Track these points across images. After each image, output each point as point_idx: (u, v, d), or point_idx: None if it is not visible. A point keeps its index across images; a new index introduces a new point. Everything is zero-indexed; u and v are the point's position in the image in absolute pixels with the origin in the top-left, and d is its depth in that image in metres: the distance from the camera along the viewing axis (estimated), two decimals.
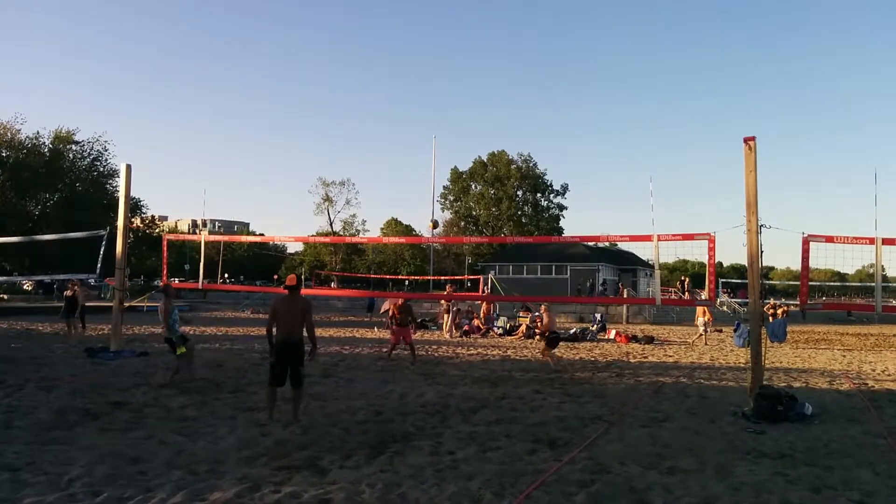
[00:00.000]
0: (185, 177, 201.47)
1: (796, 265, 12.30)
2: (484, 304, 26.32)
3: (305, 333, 8.17)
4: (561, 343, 20.84)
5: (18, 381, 10.50)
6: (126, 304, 17.80)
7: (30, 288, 48.18)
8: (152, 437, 7.10)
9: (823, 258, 10.40)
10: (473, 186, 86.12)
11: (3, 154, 50.26)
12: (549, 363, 13.91)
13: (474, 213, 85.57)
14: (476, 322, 24.76)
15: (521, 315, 26.76)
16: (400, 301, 15.79)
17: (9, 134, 50.43)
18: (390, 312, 16.22)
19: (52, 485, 5.36)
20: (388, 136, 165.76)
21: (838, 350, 21.30)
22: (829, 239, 9.95)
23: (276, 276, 75.15)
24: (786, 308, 27.58)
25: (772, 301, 30.50)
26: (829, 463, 6.58)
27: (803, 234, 9.91)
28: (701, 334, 22.73)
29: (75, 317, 19.45)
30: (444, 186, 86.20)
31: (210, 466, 5.99)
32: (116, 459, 6.10)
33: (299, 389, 8.16)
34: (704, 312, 22.70)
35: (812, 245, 9.87)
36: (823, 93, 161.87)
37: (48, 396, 9.26)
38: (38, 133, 52.35)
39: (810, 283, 10.65)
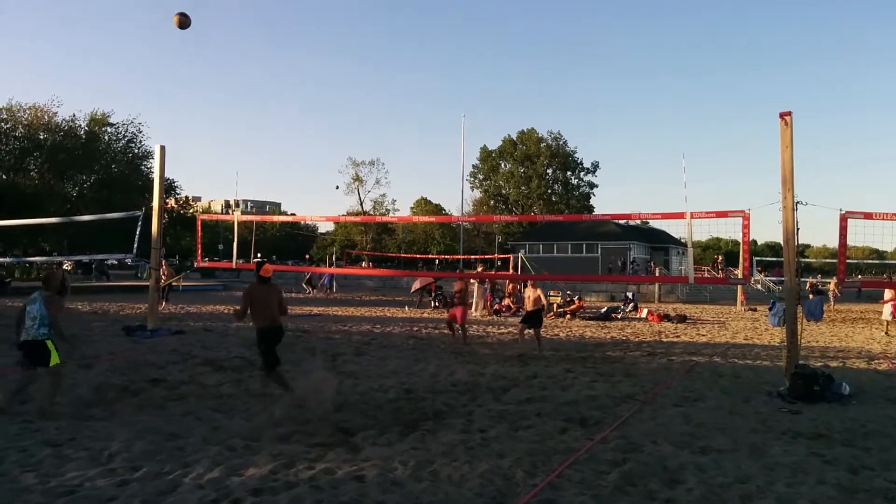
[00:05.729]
0: (218, 158, 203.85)
1: (833, 243, 12.00)
2: (509, 283, 26.16)
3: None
4: (591, 322, 20.85)
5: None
6: (162, 283, 18.13)
7: (69, 268, 49.17)
8: (189, 413, 7.25)
9: (862, 235, 10.16)
10: (503, 165, 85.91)
11: (41, 137, 51.22)
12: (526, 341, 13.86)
13: (504, 191, 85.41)
14: (507, 301, 24.78)
15: (551, 294, 26.68)
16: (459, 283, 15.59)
17: (46, 117, 51.32)
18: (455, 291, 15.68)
19: (93, 460, 5.49)
20: (418, 115, 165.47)
21: (877, 329, 20.90)
22: (868, 216, 9.72)
23: (307, 256, 75.82)
24: (814, 283, 24.69)
25: (813, 280, 28.93)
26: (867, 444, 6.48)
27: (841, 210, 9.70)
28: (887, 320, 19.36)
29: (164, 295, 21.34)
30: (473, 165, 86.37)
31: (246, 443, 6.08)
32: (155, 435, 6.23)
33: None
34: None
35: (850, 222, 9.65)
36: (861, 65, 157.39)
37: (87, 374, 9.44)
38: (73, 116, 53.44)
39: (847, 260, 10.43)
